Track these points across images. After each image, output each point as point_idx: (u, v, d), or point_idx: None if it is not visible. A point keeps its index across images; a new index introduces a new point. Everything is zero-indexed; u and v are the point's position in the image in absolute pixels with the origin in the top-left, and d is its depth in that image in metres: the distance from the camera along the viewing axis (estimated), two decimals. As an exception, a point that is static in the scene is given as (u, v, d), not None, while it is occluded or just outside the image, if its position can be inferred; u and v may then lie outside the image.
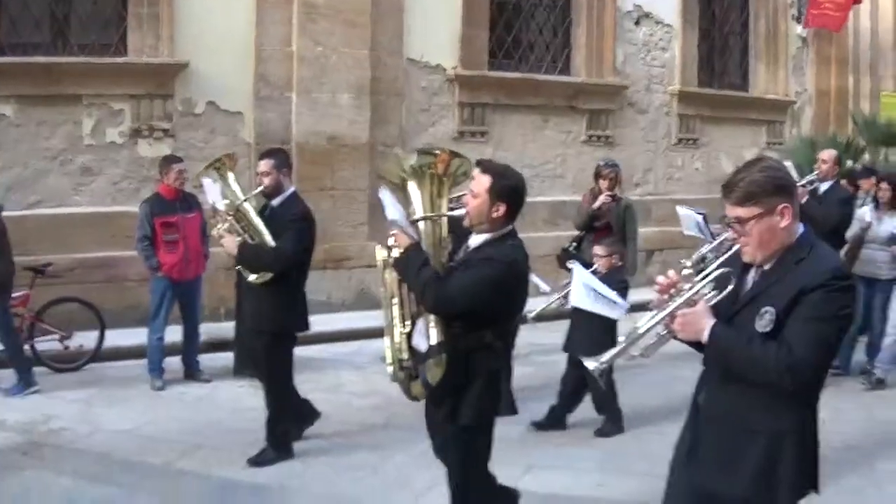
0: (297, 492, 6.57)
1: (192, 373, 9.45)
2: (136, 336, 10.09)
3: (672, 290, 3.72)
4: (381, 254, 5.10)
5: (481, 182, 4.79)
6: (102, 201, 11.16)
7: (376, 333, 6.40)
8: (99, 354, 9.88)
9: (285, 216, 7.02)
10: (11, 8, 11.01)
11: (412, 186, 5.06)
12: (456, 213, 4.96)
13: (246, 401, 8.52)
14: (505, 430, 5.49)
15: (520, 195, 4.91)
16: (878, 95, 18.64)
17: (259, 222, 7.02)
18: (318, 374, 9.34)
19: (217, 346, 10.23)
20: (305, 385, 7.94)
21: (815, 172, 9.96)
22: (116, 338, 10.25)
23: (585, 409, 8.00)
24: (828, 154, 10.17)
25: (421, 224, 5.01)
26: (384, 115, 12.55)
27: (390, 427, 7.97)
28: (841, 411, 8.07)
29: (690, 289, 3.70)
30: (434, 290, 4.70)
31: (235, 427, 7.71)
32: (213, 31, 11.51)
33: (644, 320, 3.74)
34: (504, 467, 5.43)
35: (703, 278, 3.74)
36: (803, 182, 9.31)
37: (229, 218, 7.01)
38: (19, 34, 11.10)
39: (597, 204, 9.36)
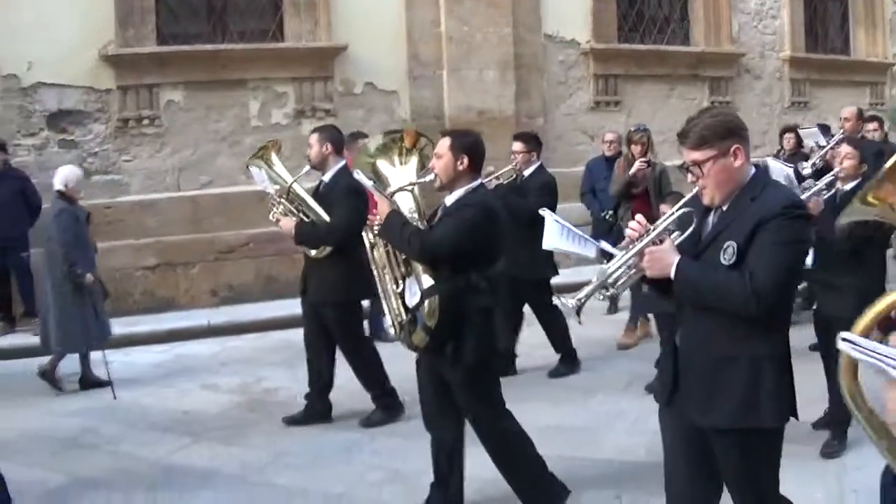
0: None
1: (377, 334, 9.80)
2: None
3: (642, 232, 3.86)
4: (367, 237, 5.56)
5: (442, 144, 5.17)
6: (270, 179, 11.70)
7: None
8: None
9: (335, 190, 7.15)
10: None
11: (382, 165, 5.45)
12: (427, 178, 5.27)
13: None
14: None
15: (480, 147, 5.27)
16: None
17: (310, 200, 7.19)
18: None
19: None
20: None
21: (841, 130, 9.91)
22: (292, 306, 10.91)
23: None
24: (849, 112, 10.19)
25: (397, 197, 5.35)
26: (526, 89, 13.03)
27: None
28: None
29: (656, 229, 3.82)
30: (419, 239, 5.04)
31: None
32: (367, 16, 12.09)
33: (615, 259, 3.89)
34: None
35: (667, 218, 3.86)
36: (826, 142, 9.36)
37: (282, 200, 7.27)
38: (179, 24, 11.74)
39: (632, 171, 9.21)
